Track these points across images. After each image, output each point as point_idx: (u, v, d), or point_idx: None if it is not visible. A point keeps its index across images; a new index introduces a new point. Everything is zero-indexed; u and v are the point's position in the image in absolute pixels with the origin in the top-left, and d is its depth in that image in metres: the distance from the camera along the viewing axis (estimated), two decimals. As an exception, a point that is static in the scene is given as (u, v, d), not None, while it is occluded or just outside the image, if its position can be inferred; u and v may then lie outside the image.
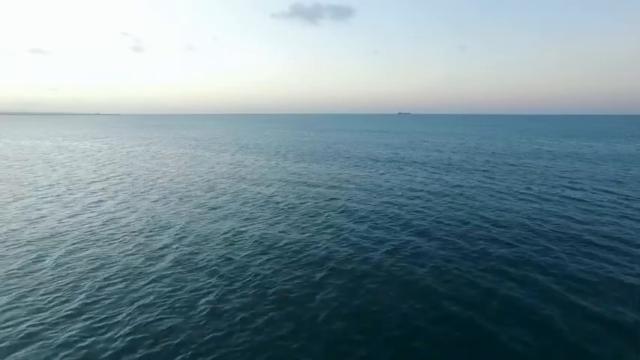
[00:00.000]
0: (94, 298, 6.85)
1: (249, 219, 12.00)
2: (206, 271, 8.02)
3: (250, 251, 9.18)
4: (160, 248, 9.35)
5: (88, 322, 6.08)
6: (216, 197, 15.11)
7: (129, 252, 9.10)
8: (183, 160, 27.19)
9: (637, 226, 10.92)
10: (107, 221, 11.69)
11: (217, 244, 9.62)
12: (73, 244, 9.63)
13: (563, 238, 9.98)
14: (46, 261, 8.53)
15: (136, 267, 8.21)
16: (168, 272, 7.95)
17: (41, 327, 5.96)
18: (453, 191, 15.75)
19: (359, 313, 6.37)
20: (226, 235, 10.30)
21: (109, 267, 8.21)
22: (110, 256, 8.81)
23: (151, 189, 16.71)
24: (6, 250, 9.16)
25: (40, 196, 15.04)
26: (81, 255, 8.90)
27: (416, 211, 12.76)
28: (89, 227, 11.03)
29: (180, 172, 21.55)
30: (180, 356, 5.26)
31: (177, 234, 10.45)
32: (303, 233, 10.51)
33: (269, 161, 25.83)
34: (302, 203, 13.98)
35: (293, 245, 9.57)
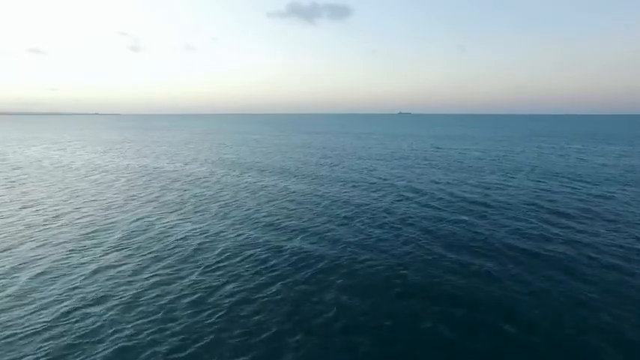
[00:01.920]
0: None
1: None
2: None
3: None
4: None
5: None
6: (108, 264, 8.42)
7: None
8: (127, 175, 20.45)
9: None
10: None
11: None
12: None
13: None
14: None
15: None
16: None
17: None
18: (523, 263, 9.04)
19: None
20: None
21: None
22: None
23: (41, 226, 10.01)
24: None
25: None
26: None
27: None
28: None
29: (106, 196, 14.85)
30: None
31: None
32: None
33: (238, 179, 19.16)
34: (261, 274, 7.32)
35: None
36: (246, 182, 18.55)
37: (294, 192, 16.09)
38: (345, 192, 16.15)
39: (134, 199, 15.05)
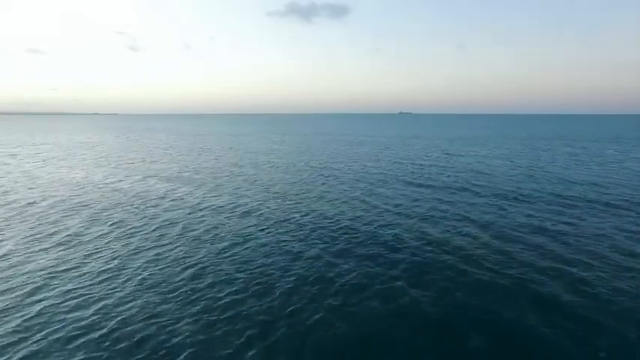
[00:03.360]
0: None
1: None
2: None
3: None
4: None
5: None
6: None
7: None
8: (54, 194, 15.18)
9: None
10: None
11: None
12: None
13: None
14: None
15: None
16: None
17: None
18: None
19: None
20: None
21: None
22: None
23: None
24: None
25: None
26: None
27: None
28: None
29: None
30: None
31: None
32: None
33: (192, 204, 14.00)
34: None
35: None
36: (197, 214, 13.37)
37: (254, 239, 10.76)
38: (326, 238, 10.98)
39: (32, 240, 9.88)
